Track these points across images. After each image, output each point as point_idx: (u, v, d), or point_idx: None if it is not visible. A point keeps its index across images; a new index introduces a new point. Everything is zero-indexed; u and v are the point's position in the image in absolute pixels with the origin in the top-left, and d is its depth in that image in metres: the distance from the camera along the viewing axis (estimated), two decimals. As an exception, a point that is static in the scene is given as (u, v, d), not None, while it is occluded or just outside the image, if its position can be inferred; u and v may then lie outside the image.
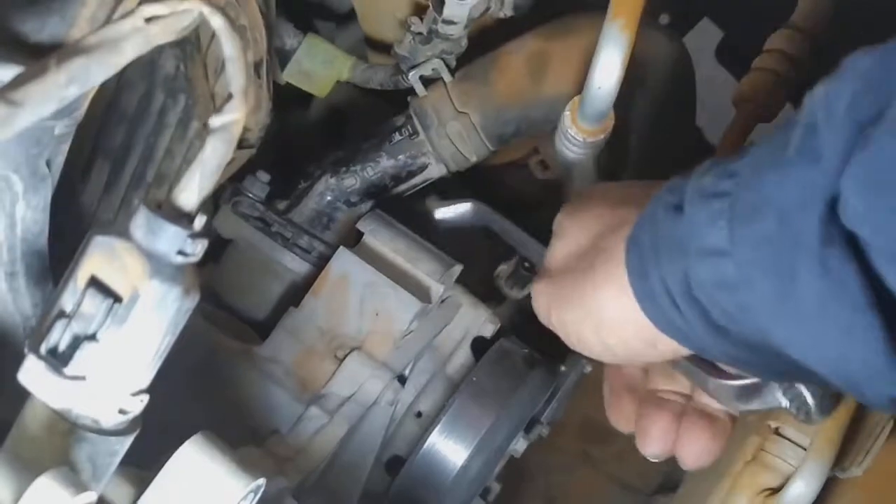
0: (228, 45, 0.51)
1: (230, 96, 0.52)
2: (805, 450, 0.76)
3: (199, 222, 0.52)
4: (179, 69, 0.82)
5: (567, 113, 0.84)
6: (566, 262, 0.69)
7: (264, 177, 0.94)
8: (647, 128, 0.97)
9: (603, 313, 0.63)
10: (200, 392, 0.84)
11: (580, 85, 0.88)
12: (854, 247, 0.44)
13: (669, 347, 0.59)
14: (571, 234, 0.70)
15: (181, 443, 0.59)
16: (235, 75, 0.52)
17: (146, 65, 0.80)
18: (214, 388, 0.86)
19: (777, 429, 0.79)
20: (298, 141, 1.10)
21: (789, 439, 0.77)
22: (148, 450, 0.60)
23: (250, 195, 0.94)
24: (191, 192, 0.52)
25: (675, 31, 1.03)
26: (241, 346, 0.88)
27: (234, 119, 0.51)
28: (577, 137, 0.84)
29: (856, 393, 0.50)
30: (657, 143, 0.99)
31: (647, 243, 0.57)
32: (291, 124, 1.11)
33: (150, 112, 0.82)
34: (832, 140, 0.44)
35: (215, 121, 0.51)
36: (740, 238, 0.50)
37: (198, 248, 0.52)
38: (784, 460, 0.77)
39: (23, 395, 0.55)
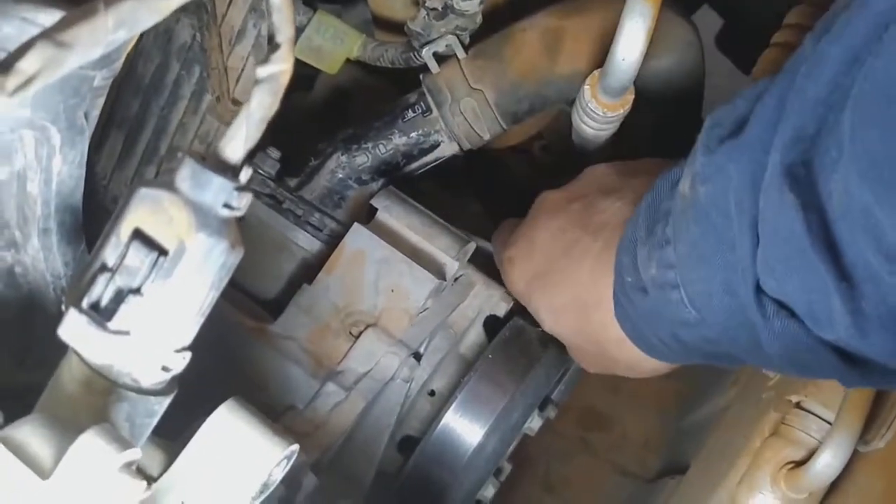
0: (277, -7, 0.50)
1: (276, 45, 0.51)
2: (829, 423, 0.76)
3: (245, 175, 0.51)
4: (195, 39, 0.81)
5: (587, 87, 0.83)
6: (552, 244, 0.72)
7: (275, 153, 0.93)
8: (655, 110, 0.96)
9: (591, 314, 0.73)
10: (214, 369, 0.82)
11: (595, 62, 0.87)
12: (787, 309, 0.54)
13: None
14: (559, 215, 0.75)
15: (200, 418, 0.58)
16: (283, 24, 0.51)
17: (162, 34, 0.79)
18: (228, 366, 0.84)
19: (799, 403, 0.79)
20: (303, 121, 1.09)
21: (813, 413, 0.77)
22: (166, 425, 0.58)
23: (261, 172, 0.92)
24: (237, 143, 0.50)
25: (687, 11, 1.02)
26: (255, 324, 0.87)
27: (281, 69, 0.50)
28: (596, 112, 0.83)
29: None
30: (665, 125, 0.99)
31: (631, 313, 0.68)
32: (296, 104, 1.09)
33: (166, 83, 0.81)
34: (740, 238, 0.54)
35: (262, 71, 0.50)
36: (708, 314, 0.60)
37: (243, 202, 0.51)
38: (808, 433, 0.77)
39: (51, 357, 0.54)
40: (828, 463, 0.73)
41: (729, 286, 0.57)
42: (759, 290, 0.55)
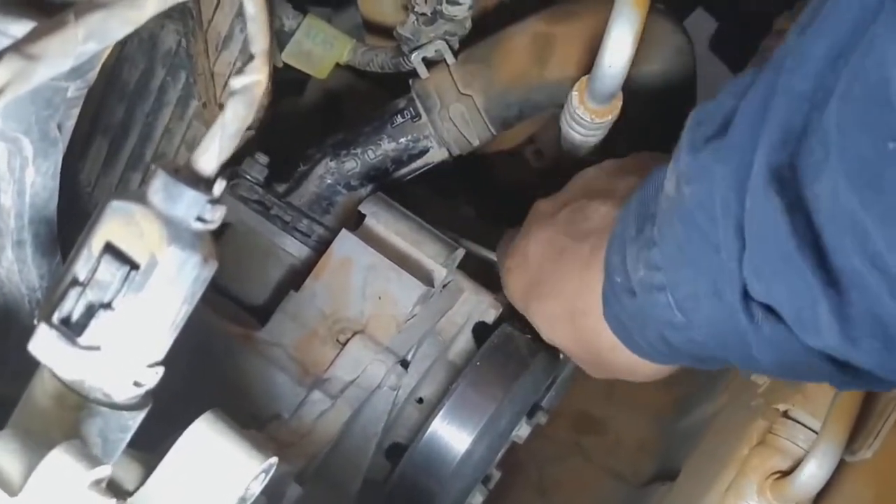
0: (250, 4, 0.50)
1: (251, 57, 0.50)
2: (815, 433, 0.76)
3: (219, 187, 0.50)
4: (181, 45, 0.80)
5: (575, 93, 0.83)
6: (543, 254, 0.72)
7: (263, 159, 0.92)
8: (647, 116, 0.96)
9: (583, 321, 0.73)
10: (200, 376, 0.82)
11: (584, 68, 0.87)
12: (775, 314, 0.53)
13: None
14: (548, 224, 0.75)
15: (182, 428, 0.57)
16: (257, 35, 0.50)
17: (147, 40, 0.79)
18: (214, 373, 0.84)
19: (786, 412, 0.78)
20: (293, 126, 1.09)
21: (800, 422, 0.77)
22: (147, 436, 0.58)
23: (249, 178, 0.92)
24: (210, 155, 0.50)
25: (677, 16, 1.02)
26: (241, 331, 0.86)
27: (255, 80, 0.50)
28: (584, 118, 0.83)
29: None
30: (655, 130, 0.98)
31: (620, 315, 0.67)
32: (286, 109, 1.09)
33: (151, 89, 0.81)
34: (726, 240, 0.53)
35: (236, 82, 0.50)
36: (695, 317, 0.59)
37: (217, 215, 0.50)
38: (794, 443, 0.77)
39: (26, 370, 0.53)
40: (813, 473, 0.72)
41: (716, 289, 0.56)
42: (746, 294, 0.53)
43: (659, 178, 0.62)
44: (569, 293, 0.75)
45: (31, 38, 0.45)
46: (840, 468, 0.76)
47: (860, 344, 0.48)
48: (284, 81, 1.02)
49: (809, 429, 0.77)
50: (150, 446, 0.60)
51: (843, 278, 0.46)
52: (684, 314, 0.60)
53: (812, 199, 0.47)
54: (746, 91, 0.53)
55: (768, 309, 0.53)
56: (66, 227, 0.64)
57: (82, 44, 0.46)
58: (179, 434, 0.57)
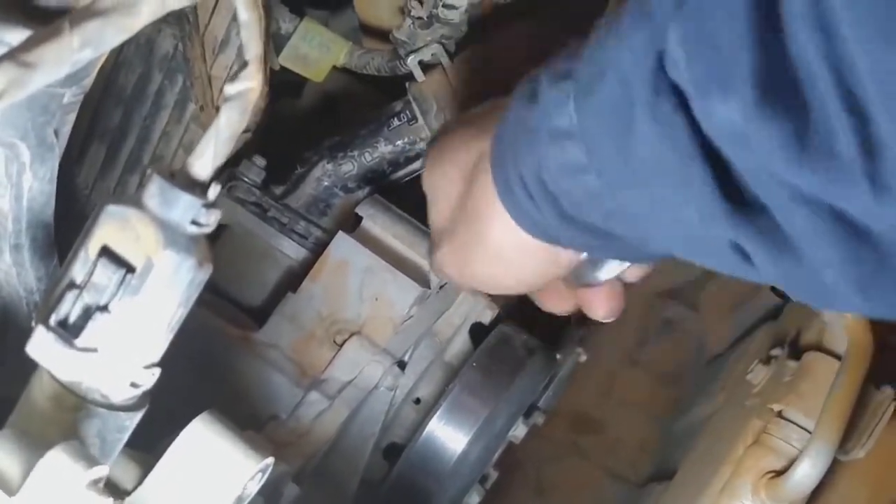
0: (244, 10, 0.50)
1: (245, 63, 0.51)
2: (809, 432, 0.76)
3: (214, 192, 0.51)
4: (178, 49, 0.81)
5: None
6: (447, 219, 0.64)
7: (260, 161, 0.93)
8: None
9: (501, 247, 0.60)
10: (198, 378, 0.82)
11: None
12: (681, 98, 0.44)
13: (568, 257, 0.60)
14: (441, 190, 0.65)
15: (181, 429, 0.58)
16: (250, 41, 0.51)
17: (144, 44, 0.79)
18: (212, 374, 0.85)
19: (780, 412, 0.79)
20: (290, 129, 1.09)
21: (793, 422, 0.77)
22: (146, 436, 0.59)
23: (246, 180, 0.93)
24: (205, 160, 0.50)
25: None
26: (239, 332, 0.87)
27: (249, 87, 0.50)
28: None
29: (699, 259, 0.50)
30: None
31: (506, 139, 0.56)
32: (283, 112, 1.09)
33: (148, 93, 0.81)
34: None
35: (230, 88, 0.50)
36: (584, 112, 0.49)
37: (212, 219, 0.51)
38: (788, 443, 0.77)
39: (25, 372, 0.54)
40: (806, 473, 0.73)
41: (624, 63, 0.46)
42: (660, 63, 0.44)
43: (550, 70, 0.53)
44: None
45: (27, 45, 0.45)
46: (834, 467, 0.76)
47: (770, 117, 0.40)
48: (281, 84, 1.03)
49: (803, 428, 0.77)
50: (147, 447, 0.60)
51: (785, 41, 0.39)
52: (577, 105, 0.50)
53: None
54: None
55: (675, 89, 0.44)
56: (63, 230, 0.65)
57: (78, 51, 0.47)
58: (177, 434, 0.58)
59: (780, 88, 0.40)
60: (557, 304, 0.70)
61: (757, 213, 0.44)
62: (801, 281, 0.45)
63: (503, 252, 0.61)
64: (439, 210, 0.66)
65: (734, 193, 0.44)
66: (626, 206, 0.51)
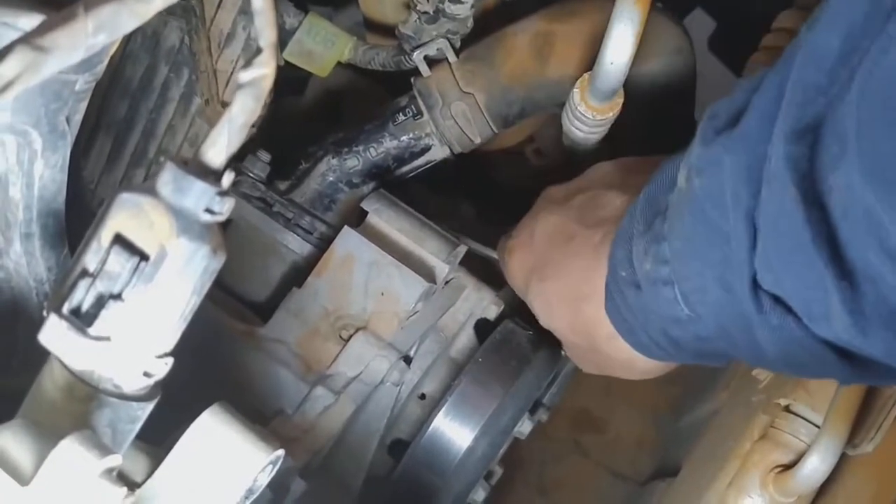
0: (259, -2, 0.50)
1: (259, 50, 0.50)
2: (817, 427, 0.76)
3: (227, 179, 0.51)
4: (184, 42, 0.81)
5: (576, 90, 0.83)
6: (551, 237, 0.74)
7: (265, 156, 0.93)
8: (646, 114, 0.96)
9: (583, 308, 0.72)
10: (203, 373, 0.82)
11: (585, 66, 0.87)
12: (784, 305, 0.53)
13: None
14: (560, 209, 0.76)
15: (187, 424, 0.57)
16: (265, 29, 0.50)
17: (150, 37, 0.79)
18: (218, 369, 0.84)
19: (788, 406, 0.78)
20: (295, 124, 1.09)
21: (802, 416, 0.77)
22: (152, 431, 0.58)
23: (251, 175, 0.92)
24: (219, 148, 0.50)
25: (677, 15, 1.02)
26: (244, 327, 0.87)
27: (263, 73, 0.50)
28: (585, 115, 0.83)
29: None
30: (654, 128, 0.99)
31: (622, 308, 0.68)
32: (288, 108, 1.09)
33: (154, 86, 0.81)
34: (736, 230, 0.54)
35: (244, 75, 0.50)
36: (703, 310, 0.60)
37: (225, 207, 0.51)
38: (796, 437, 0.77)
39: (35, 362, 0.54)
40: (815, 467, 0.73)
41: (724, 281, 0.56)
42: (755, 284, 0.54)
43: (669, 172, 0.63)
44: (574, 277, 0.74)
45: (42, 30, 0.45)
46: (842, 462, 0.76)
47: (871, 335, 0.48)
48: (286, 80, 1.02)
49: (811, 423, 0.77)
50: (152, 442, 0.60)
51: (856, 271, 0.47)
52: (690, 308, 0.60)
53: (828, 192, 0.47)
54: (759, 85, 0.53)
55: (777, 300, 0.53)
56: (68, 223, 0.64)
57: (93, 36, 0.46)
58: (186, 427, 0.57)
59: None
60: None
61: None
62: None
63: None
64: (547, 221, 0.79)
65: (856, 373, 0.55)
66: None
